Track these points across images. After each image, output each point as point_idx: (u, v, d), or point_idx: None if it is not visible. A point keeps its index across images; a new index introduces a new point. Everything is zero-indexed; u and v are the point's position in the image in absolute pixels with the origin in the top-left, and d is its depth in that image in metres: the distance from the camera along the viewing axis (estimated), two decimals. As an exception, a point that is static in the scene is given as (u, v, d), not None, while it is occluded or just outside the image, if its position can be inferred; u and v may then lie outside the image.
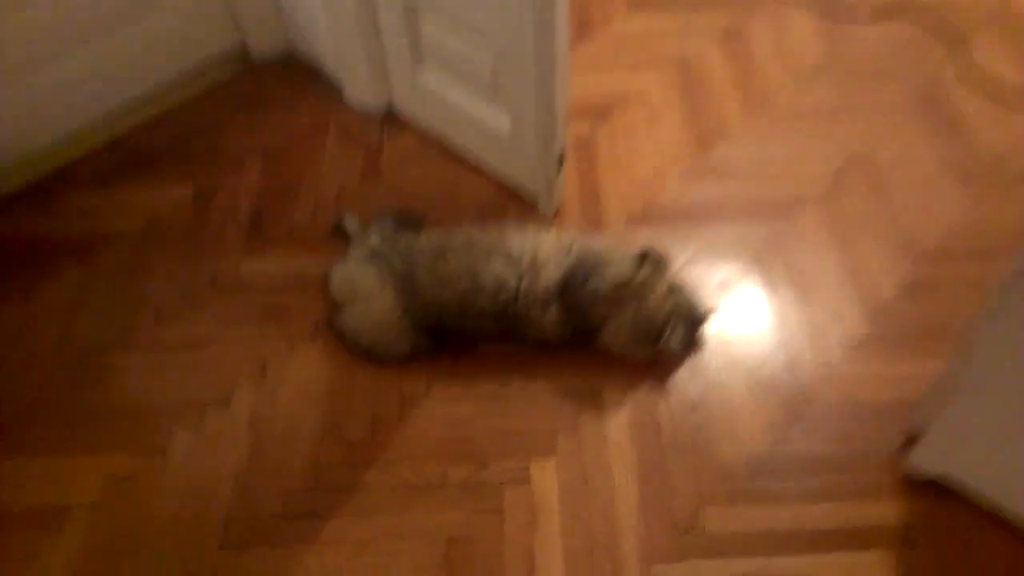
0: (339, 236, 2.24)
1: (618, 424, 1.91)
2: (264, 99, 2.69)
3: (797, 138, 2.53)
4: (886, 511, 1.75)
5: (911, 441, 1.75)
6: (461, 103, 2.32)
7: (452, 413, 1.94)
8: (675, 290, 1.99)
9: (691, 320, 1.99)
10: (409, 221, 2.21)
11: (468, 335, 2.02)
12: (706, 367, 2.01)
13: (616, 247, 2.04)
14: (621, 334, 1.95)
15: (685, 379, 1.99)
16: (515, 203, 2.33)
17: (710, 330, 2.07)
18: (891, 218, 2.30)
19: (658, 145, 2.53)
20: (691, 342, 2.01)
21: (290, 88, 2.72)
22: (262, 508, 1.79)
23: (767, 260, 2.22)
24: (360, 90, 2.58)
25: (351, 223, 2.24)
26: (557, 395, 1.97)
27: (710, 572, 1.69)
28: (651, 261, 1.96)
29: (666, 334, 1.92)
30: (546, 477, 1.83)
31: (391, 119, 2.61)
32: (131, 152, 2.55)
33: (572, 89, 2.31)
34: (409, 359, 2.01)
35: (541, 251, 1.99)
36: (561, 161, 2.20)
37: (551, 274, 1.96)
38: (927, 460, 1.72)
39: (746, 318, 2.10)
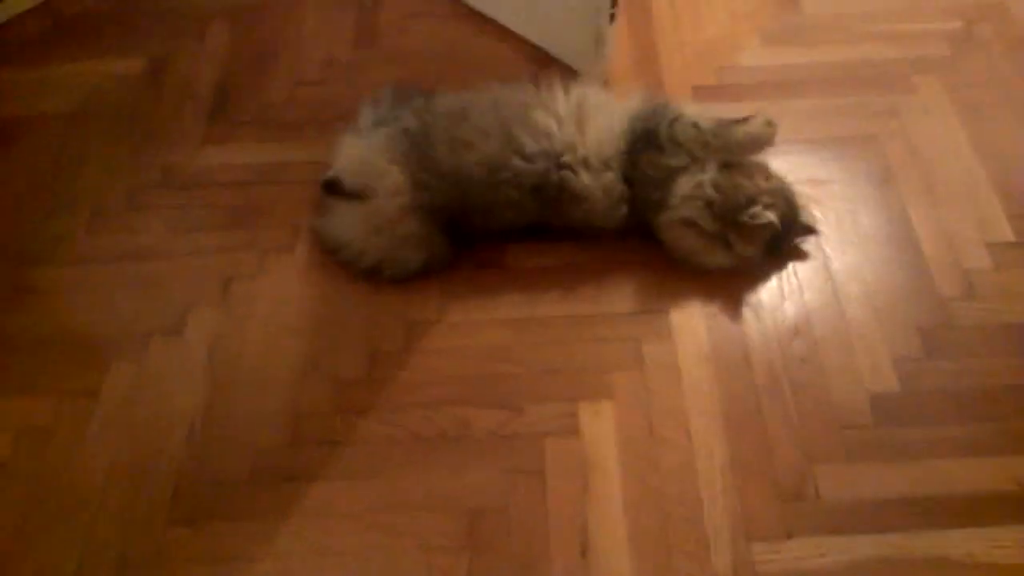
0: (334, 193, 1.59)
1: (696, 356, 1.44)
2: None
3: (912, -13, 1.98)
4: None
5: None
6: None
7: (474, 343, 1.47)
8: (773, 177, 1.49)
9: (789, 215, 1.48)
10: (413, 97, 1.68)
11: (495, 228, 1.53)
12: (809, 283, 1.52)
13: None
14: (691, 207, 1.46)
15: (782, 298, 1.50)
16: (551, 70, 1.80)
17: (811, 235, 1.57)
18: (1041, 85, 1.77)
19: (731, 0, 1.97)
20: (783, 247, 1.51)
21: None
22: (224, 469, 1.35)
23: (879, 145, 1.70)
24: (349, -66, 2.03)
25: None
26: (613, 317, 1.49)
27: (828, 552, 1.24)
28: (757, 124, 1.49)
29: (756, 210, 1.44)
30: (600, 426, 1.37)
31: (390, -28, 2.06)
32: (64, 17, 2.03)
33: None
34: (421, 274, 1.53)
35: (591, 101, 1.51)
36: (615, 3, 1.66)
37: (607, 125, 1.50)
38: None
39: (856, 221, 1.60)
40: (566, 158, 1.46)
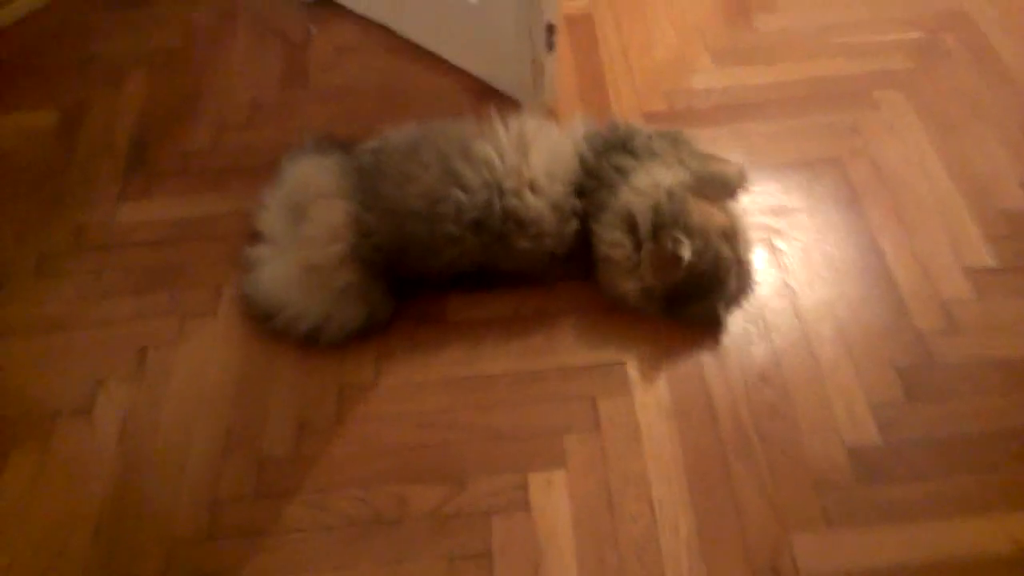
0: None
1: (656, 412, 1.31)
2: (151, -10, 2.01)
3: (869, -2, 1.88)
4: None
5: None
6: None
7: (413, 408, 1.34)
8: (734, 236, 1.38)
9: (708, 274, 1.34)
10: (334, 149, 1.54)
11: (436, 273, 1.40)
12: (777, 324, 1.40)
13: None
14: (638, 203, 1.35)
15: (748, 342, 1.38)
16: (492, 102, 1.67)
17: (770, 272, 1.45)
18: (1010, 93, 1.67)
19: (679, 20, 1.87)
20: (689, 305, 1.37)
21: (186, -27, 2.04)
22: (134, 571, 1.20)
23: (843, 167, 1.59)
24: (275, -32, 1.91)
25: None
26: (564, 372, 1.36)
27: (809, 636, 1.11)
28: (732, 169, 1.46)
29: (680, 235, 1.31)
30: (553, 499, 1.23)
31: (321, 3, 1.94)
32: (-28, 69, 1.89)
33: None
34: (361, 334, 1.39)
35: (533, 128, 1.42)
36: (552, 31, 1.55)
37: (553, 148, 1.41)
38: None
39: (825, 252, 1.48)
40: (509, 184, 1.35)
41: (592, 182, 1.38)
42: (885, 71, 1.73)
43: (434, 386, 1.35)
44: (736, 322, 1.40)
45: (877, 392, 1.31)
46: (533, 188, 1.35)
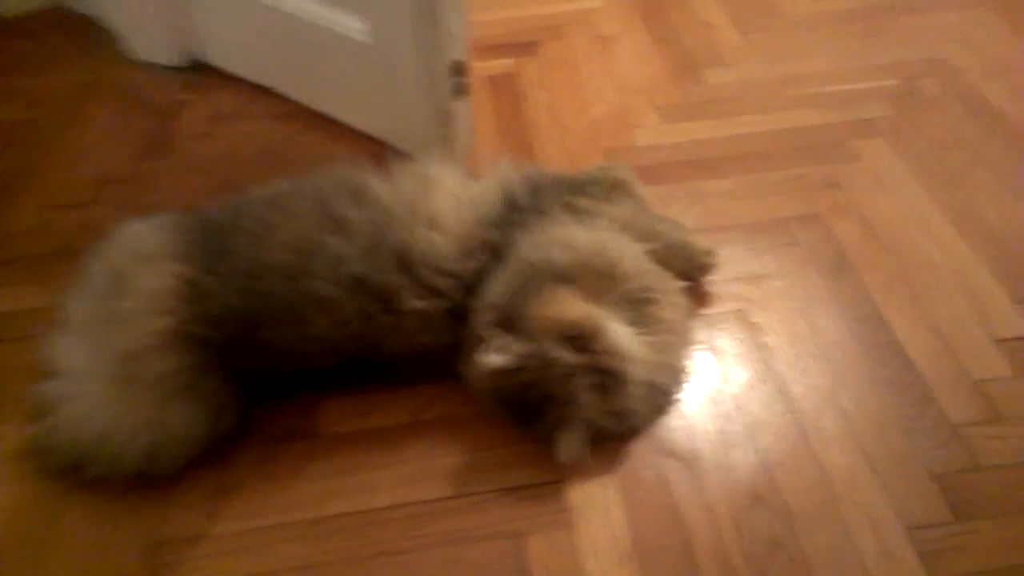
0: None
1: (610, 554, 0.92)
2: (3, 62, 1.71)
3: (831, 46, 1.66)
4: None
5: None
6: (297, 10, 1.38)
7: (258, 570, 0.92)
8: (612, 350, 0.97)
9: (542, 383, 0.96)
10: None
11: (298, 358, 1.03)
12: (762, 418, 1.04)
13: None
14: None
15: (725, 445, 1.02)
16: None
17: (747, 353, 1.11)
18: (1008, 137, 1.41)
19: (618, 80, 1.62)
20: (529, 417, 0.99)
21: (47, 44, 1.75)
22: None
23: (824, 226, 1.29)
24: (146, 34, 1.63)
25: None
26: (478, 505, 0.97)
27: None
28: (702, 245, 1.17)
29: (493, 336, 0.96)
30: None
31: (200, 72, 1.65)
32: None
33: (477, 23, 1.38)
34: (204, 451, 1.00)
35: (445, 174, 1.12)
36: (461, 72, 1.26)
37: (462, 190, 1.10)
38: None
39: (813, 325, 1.15)
40: (402, 221, 1.03)
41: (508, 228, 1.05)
42: (861, 120, 1.47)
43: (293, 530, 0.95)
44: (705, 419, 1.04)
45: (913, 510, 0.94)
46: (433, 225, 1.03)
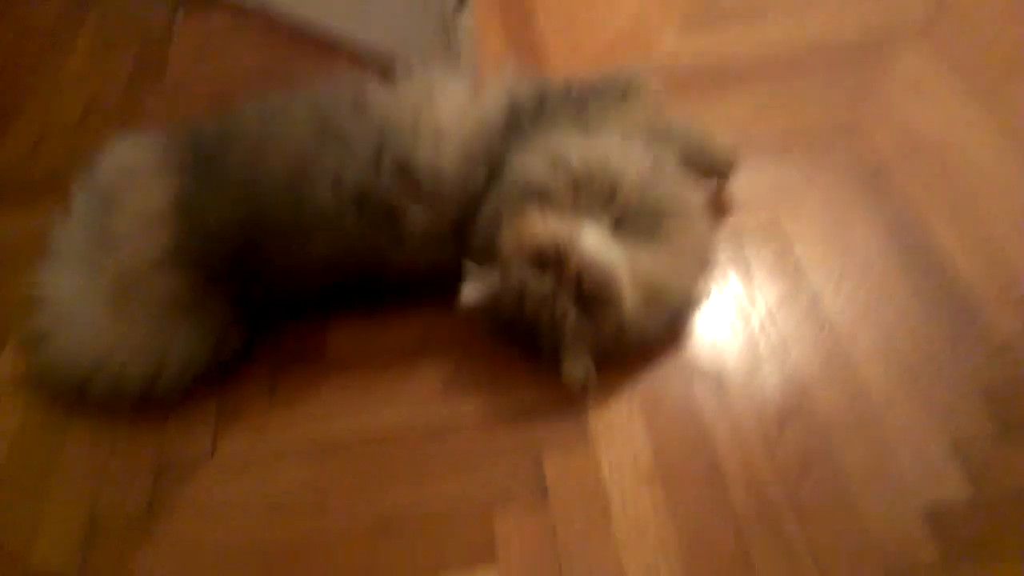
0: None
1: (633, 474, 0.87)
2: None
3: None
4: None
5: None
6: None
7: (266, 490, 0.88)
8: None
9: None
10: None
11: (298, 275, 0.97)
12: (795, 333, 0.98)
13: None
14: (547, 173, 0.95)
15: (756, 362, 0.95)
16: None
17: (776, 267, 1.04)
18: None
19: (637, -14, 1.51)
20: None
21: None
22: None
23: (862, 136, 1.20)
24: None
25: None
26: (492, 425, 0.92)
27: None
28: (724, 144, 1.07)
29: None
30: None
31: (192, -6, 1.58)
32: None
33: None
34: (207, 375, 0.95)
35: (449, 82, 1.05)
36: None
37: (466, 100, 1.02)
38: None
39: (849, 239, 1.08)
40: (404, 129, 0.97)
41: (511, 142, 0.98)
42: (899, 21, 1.37)
43: (300, 453, 0.91)
44: (734, 335, 0.97)
45: (957, 424, 0.88)
46: (437, 136, 0.96)
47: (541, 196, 0.92)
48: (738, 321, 0.99)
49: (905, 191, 1.11)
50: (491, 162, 0.96)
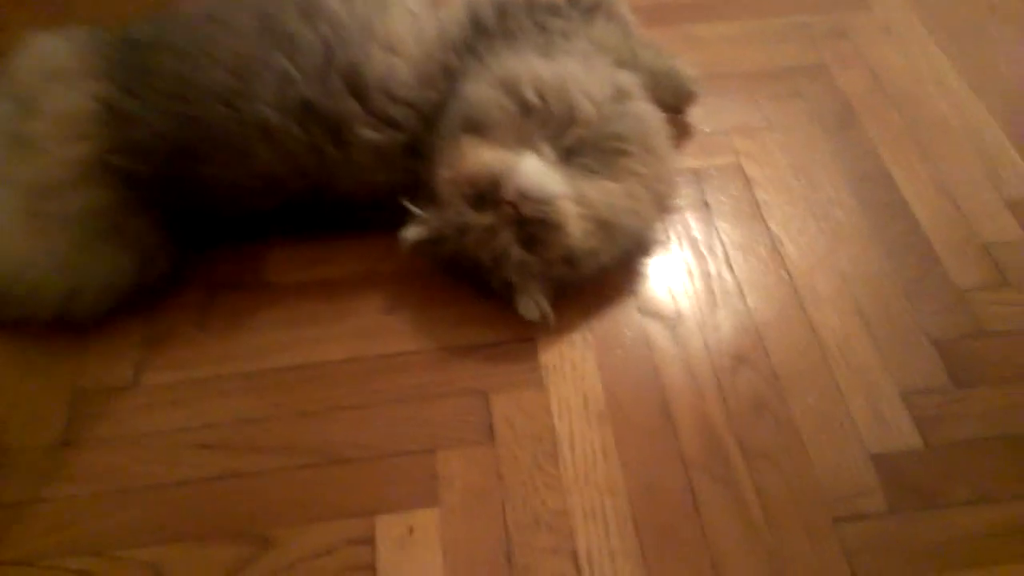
0: None
1: (579, 412, 0.84)
2: None
3: None
4: None
5: None
6: None
7: (193, 423, 0.83)
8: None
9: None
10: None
11: (236, 196, 0.90)
12: (752, 277, 0.96)
13: None
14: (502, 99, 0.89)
15: (712, 304, 0.93)
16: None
17: (739, 207, 1.01)
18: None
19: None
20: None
21: None
22: None
23: (830, 77, 1.18)
24: None
25: None
26: (438, 361, 0.88)
27: None
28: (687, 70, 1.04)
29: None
30: (416, 557, 0.75)
31: None
32: None
33: None
34: (130, 298, 0.89)
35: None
36: None
37: (423, 14, 0.95)
38: None
39: (812, 181, 1.05)
40: (355, 38, 0.89)
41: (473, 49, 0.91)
42: (873, -34, 1.33)
43: (231, 383, 0.86)
44: (691, 277, 0.95)
45: (910, 375, 0.87)
46: (389, 46, 0.89)
47: (483, 127, 0.86)
48: (695, 264, 0.96)
49: (869, 138, 1.09)
50: (446, 79, 0.90)
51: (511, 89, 0.88)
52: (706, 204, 1.02)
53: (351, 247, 0.96)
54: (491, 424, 0.83)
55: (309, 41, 0.88)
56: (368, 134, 0.87)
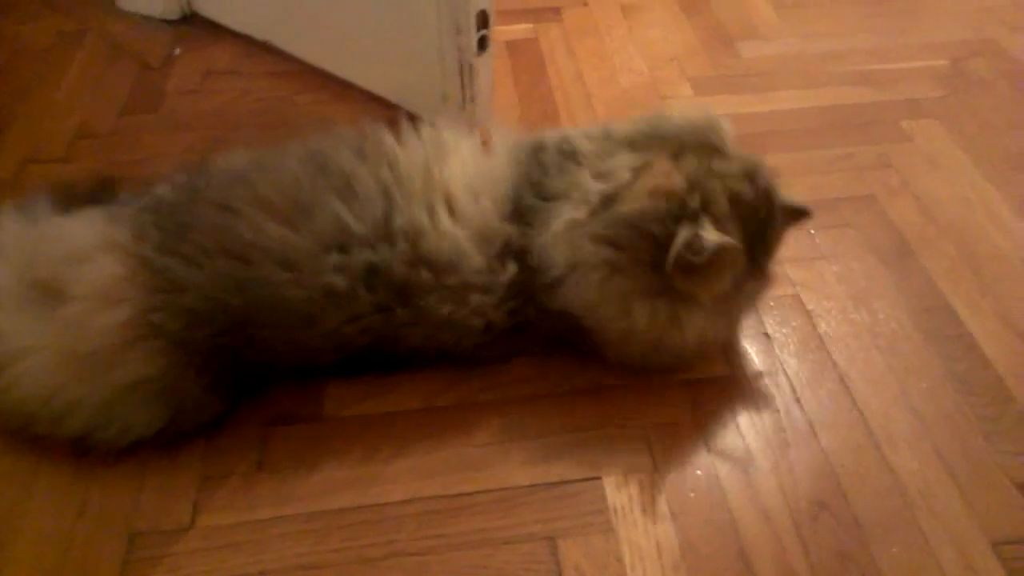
0: None
1: (653, 559, 0.80)
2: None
3: (870, 22, 1.56)
4: None
5: None
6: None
7: (250, 568, 0.80)
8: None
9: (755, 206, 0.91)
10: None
11: (301, 357, 0.89)
12: (823, 415, 0.93)
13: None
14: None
15: (784, 444, 0.90)
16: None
17: (802, 343, 1.00)
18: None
19: (647, 49, 1.50)
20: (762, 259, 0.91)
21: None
22: None
23: (880, 208, 1.19)
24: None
25: None
26: (503, 503, 0.85)
27: None
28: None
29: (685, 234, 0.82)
30: None
31: (193, 25, 1.52)
32: None
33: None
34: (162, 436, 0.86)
35: (460, 142, 0.95)
36: (485, 22, 1.13)
37: (477, 161, 0.94)
38: None
39: (875, 314, 1.04)
40: (416, 192, 0.88)
41: (534, 200, 0.90)
42: (910, 100, 1.37)
43: (290, 525, 0.82)
44: (759, 415, 0.92)
45: (998, 523, 0.83)
46: (449, 204, 0.88)
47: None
48: (763, 400, 0.94)
49: (926, 268, 1.09)
50: (511, 256, 0.88)
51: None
52: (767, 335, 1.01)
53: (408, 380, 0.94)
54: (560, 572, 0.79)
55: (367, 181, 0.87)
56: (441, 308, 0.86)
